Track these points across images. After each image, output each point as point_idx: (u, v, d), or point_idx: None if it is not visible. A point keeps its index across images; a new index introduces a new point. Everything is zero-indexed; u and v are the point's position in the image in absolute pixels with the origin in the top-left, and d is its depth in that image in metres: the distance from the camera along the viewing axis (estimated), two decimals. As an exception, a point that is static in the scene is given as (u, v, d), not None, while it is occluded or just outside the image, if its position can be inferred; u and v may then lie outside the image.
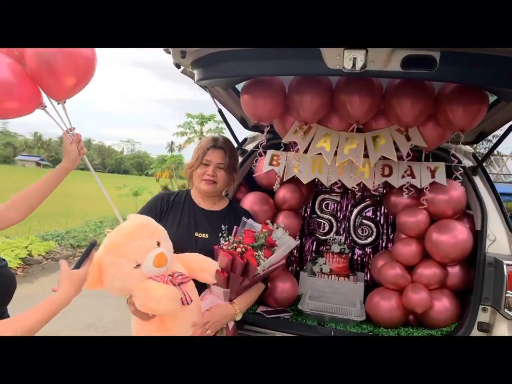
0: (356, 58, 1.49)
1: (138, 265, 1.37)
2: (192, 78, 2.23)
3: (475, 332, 2.06)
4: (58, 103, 1.59)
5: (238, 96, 2.38)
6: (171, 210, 1.85)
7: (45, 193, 1.60)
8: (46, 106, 1.57)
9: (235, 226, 1.80)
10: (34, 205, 1.57)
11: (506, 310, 1.99)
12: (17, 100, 1.44)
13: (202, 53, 1.71)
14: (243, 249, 1.66)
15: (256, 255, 1.67)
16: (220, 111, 2.51)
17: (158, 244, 1.44)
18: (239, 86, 2.26)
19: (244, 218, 1.81)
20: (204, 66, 1.78)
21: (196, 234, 1.80)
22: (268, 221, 1.86)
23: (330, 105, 2.08)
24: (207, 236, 1.79)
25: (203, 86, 2.19)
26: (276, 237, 1.79)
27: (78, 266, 1.24)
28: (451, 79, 1.62)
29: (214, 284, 1.66)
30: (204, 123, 24.96)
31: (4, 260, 1.25)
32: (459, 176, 2.15)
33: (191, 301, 1.44)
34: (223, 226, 1.76)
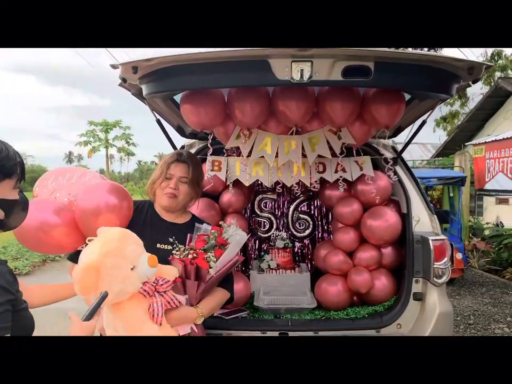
0: (303, 70, 1.64)
1: (133, 268, 1.44)
2: (130, 90, 2.19)
3: (411, 302, 2.38)
4: None
5: (175, 105, 2.40)
6: (132, 221, 1.84)
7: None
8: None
9: (189, 234, 1.81)
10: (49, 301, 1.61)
11: (435, 279, 2.33)
12: (69, 238, 1.77)
13: (153, 68, 1.71)
14: (194, 255, 1.70)
15: (206, 257, 1.70)
16: (158, 121, 2.50)
17: None
18: (177, 96, 2.28)
19: (196, 224, 1.83)
20: (155, 80, 1.78)
21: (158, 245, 1.79)
22: (221, 222, 1.90)
23: (269, 110, 2.22)
24: (169, 247, 1.80)
25: (141, 98, 2.17)
26: (228, 234, 1.81)
27: (89, 318, 1.19)
28: (384, 85, 1.86)
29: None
30: (109, 130, 23.59)
31: (25, 301, 1.16)
32: (391, 167, 2.44)
33: (179, 303, 1.56)
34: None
